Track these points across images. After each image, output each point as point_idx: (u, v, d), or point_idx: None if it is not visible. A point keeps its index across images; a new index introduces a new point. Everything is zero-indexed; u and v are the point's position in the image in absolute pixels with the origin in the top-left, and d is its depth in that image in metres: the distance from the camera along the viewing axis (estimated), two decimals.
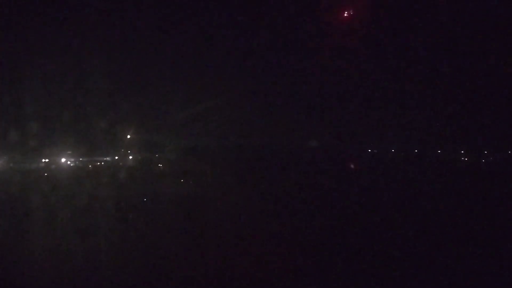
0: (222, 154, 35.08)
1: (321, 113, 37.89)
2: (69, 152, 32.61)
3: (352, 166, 34.81)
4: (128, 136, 33.08)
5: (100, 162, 33.43)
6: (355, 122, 37.24)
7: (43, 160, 32.89)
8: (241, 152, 35.53)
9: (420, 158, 36.44)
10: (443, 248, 10.67)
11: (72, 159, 33.59)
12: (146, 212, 16.18)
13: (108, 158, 34.39)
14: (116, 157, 34.12)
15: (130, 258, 10.32)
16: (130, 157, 32.59)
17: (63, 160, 33.03)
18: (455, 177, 27.80)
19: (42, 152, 31.60)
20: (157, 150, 38.84)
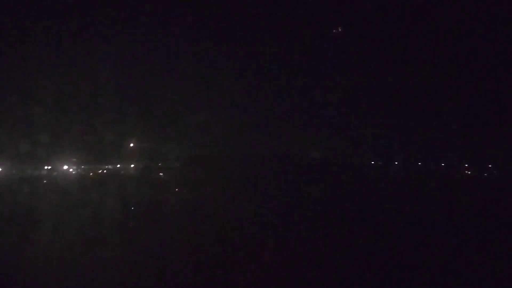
0: (225, 163, 35.00)
1: (325, 122, 37.83)
2: (71, 159, 32.66)
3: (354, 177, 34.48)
4: (131, 145, 33.18)
5: (102, 170, 33.41)
6: (361, 133, 37.04)
7: (45, 167, 32.94)
8: (243, 161, 35.45)
9: (423, 170, 36.15)
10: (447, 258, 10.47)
11: (75, 167, 33.61)
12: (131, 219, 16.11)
13: (109, 166, 34.38)
14: (118, 165, 34.11)
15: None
16: (132, 165, 32.53)
17: (65, 167, 33.05)
18: (458, 189, 27.48)
19: (44, 159, 31.70)
20: (159, 159, 38.90)
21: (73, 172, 33.16)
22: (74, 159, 32.74)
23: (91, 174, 31.14)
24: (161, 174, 31.58)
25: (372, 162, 38.44)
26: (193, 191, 25.74)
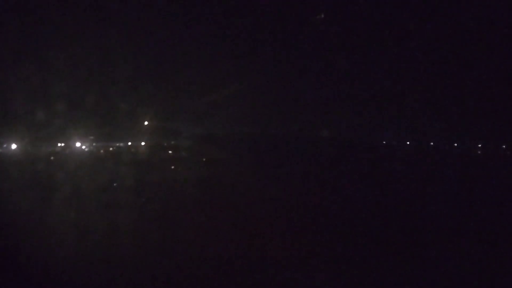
0: (236, 143, 35.02)
1: (338, 102, 37.49)
2: (84, 136, 32.98)
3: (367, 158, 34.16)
4: (146, 123, 33.34)
5: (113, 147, 33.67)
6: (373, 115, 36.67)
7: (59, 144, 33.33)
8: (255, 141, 35.41)
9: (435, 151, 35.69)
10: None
11: (87, 144, 33.95)
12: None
13: (121, 144, 34.66)
14: (129, 143, 34.37)
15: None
16: (143, 143, 32.75)
17: (77, 144, 33.41)
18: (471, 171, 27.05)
19: (57, 137, 32.09)
20: (172, 137, 39.13)
21: (86, 149, 33.46)
22: (87, 137, 33.12)
23: (101, 151, 31.39)
24: (170, 152, 31.75)
25: (384, 142, 38.20)
26: (204, 169, 25.67)
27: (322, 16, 19.56)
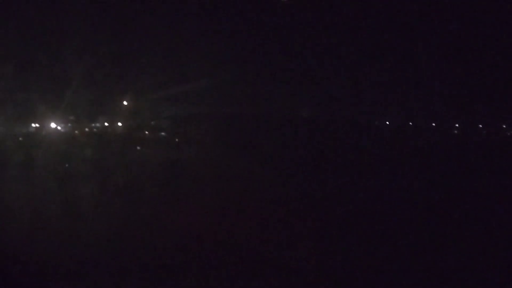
0: (215, 123, 34.27)
1: (322, 80, 36.71)
2: (59, 117, 32.01)
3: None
4: (125, 103, 32.41)
5: (89, 128, 32.76)
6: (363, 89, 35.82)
7: (33, 125, 32.36)
8: (236, 121, 34.71)
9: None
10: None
11: (62, 125, 32.98)
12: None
13: (97, 124, 33.73)
14: (106, 123, 33.44)
15: None
16: (119, 124, 31.87)
17: (52, 124, 32.42)
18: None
19: (32, 117, 31.13)
20: (150, 117, 38.20)
21: (62, 130, 32.54)
22: (62, 117, 32.14)
23: (76, 132, 30.49)
24: (146, 132, 31.07)
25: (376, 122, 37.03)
26: (183, 151, 25.16)
27: None
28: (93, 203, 11.90)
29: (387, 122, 35.56)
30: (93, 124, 32.73)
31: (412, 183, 16.08)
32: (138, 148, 24.83)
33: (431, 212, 11.50)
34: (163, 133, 32.33)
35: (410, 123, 35.62)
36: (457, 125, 35.07)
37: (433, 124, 35.47)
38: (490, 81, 31.68)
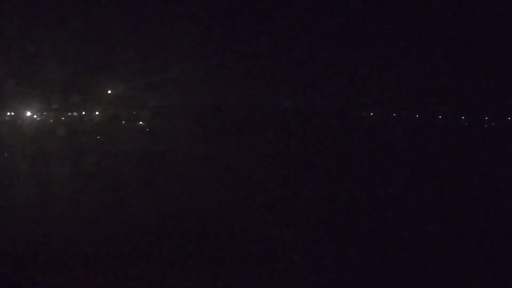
0: (197, 113, 33.39)
1: (305, 70, 36.09)
2: (35, 106, 30.90)
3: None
4: (109, 92, 31.50)
5: (65, 117, 31.68)
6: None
7: (8, 113, 31.25)
8: (216, 111, 33.94)
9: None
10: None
11: (38, 113, 31.87)
12: None
13: (75, 113, 32.62)
14: (84, 112, 32.36)
15: None
16: (97, 113, 30.84)
17: (28, 114, 31.30)
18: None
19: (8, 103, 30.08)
20: (135, 107, 37.25)
21: (38, 119, 31.43)
22: (38, 106, 31.06)
23: (51, 121, 29.40)
24: (123, 122, 30.21)
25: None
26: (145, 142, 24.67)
27: None
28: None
29: (371, 113, 34.87)
30: (69, 113, 31.63)
31: (400, 176, 15.64)
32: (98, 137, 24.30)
33: (426, 207, 10.96)
34: (141, 123, 31.56)
35: (394, 114, 34.92)
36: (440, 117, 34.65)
37: (417, 116, 34.97)
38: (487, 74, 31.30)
